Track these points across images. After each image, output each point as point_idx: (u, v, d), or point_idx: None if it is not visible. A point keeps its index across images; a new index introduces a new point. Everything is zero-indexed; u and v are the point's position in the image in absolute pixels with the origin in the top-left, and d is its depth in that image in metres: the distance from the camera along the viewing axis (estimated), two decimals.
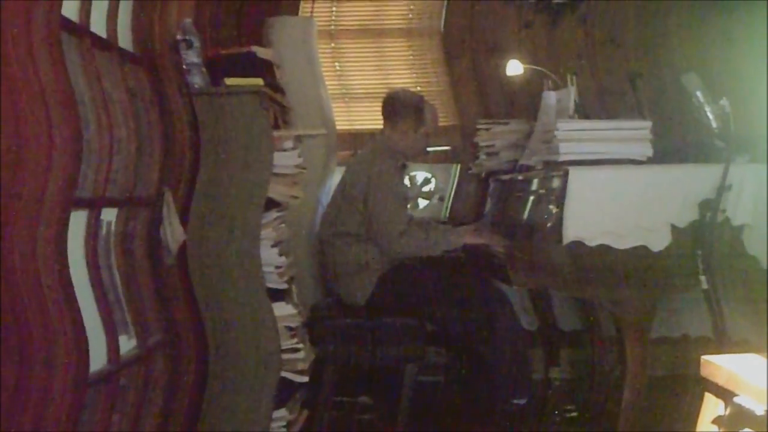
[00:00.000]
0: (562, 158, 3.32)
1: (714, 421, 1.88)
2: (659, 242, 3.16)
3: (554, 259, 3.21)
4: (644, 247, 3.16)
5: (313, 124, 3.91)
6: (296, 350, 3.20)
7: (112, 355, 2.44)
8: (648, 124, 3.42)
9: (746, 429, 1.75)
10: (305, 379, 3.25)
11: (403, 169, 3.91)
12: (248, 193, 3.06)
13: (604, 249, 3.16)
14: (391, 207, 3.65)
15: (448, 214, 4.60)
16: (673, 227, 3.17)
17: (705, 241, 3.12)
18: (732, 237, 3.19)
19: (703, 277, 3.13)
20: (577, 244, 3.16)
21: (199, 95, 3.06)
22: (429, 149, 4.12)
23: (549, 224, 3.26)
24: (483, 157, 4.43)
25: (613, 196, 3.19)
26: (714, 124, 3.26)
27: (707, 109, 3.24)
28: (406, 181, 4.48)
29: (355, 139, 4.55)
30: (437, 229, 3.82)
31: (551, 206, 3.28)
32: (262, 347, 3.08)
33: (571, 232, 3.15)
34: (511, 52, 4.53)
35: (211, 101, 3.07)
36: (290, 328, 3.21)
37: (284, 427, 3.18)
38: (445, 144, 4.63)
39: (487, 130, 4.44)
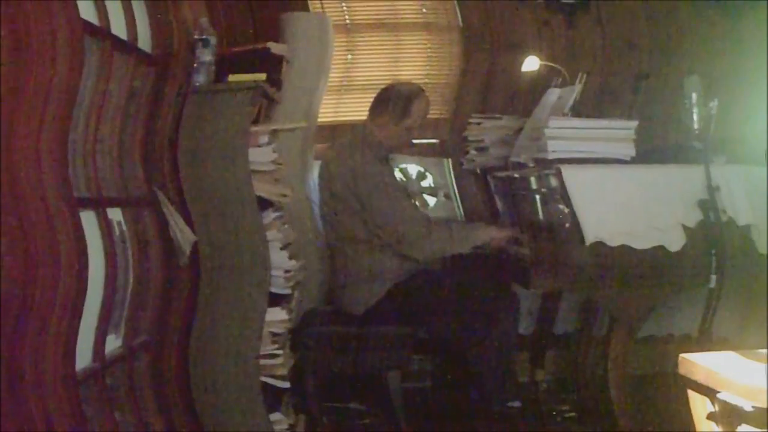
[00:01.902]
0: (550, 156, 3.33)
1: (709, 418, 1.89)
2: (675, 242, 3.20)
3: (577, 261, 3.20)
4: (662, 248, 3.19)
5: (298, 116, 3.78)
6: (274, 356, 3.14)
7: (98, 353, 2.40)
8: (634, 124, 3.44)
9: (743, 425, 1.76)
10: (287, 384, 3.19)
11: (384, 161, 3.75)
12: (238, 193, 3.00)
13: (625, 250, 3.18)
14: (400, 207, 3.53)
15: (463, 213, 4.49)
16: (685, 227, 3.20)
17: (717, 240, 3.16)
18: (742, 237, 3.23)
19: (713, 276, 3.16)
20: (599, 245, 3.18)
21: (194, 93, 3.03)
22: (414, 141, 3.99)
23: (567, 224, 3.26)
24: (473, 152, 4.36)
25: (622, 196, 3.23)
26: (696, 126, 3.30)
27: (695, 110, 3.29)
28: (400, 175, 4.34)
29: (336, 130, 4.46)
30: (460, 226, 3.71)
31: (561, 206, 3.28)
32: (241, 351, 3.03)
33: (592, 233, 3.17)
34: (530, 48, 4.49)
35: (203, 98, 3.03)
36: (275, 334, 3.15)
37: (287, 430, 3.16)
38: (433, 137, 4.53)
39: (478, 124, 4.38)
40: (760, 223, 3.20)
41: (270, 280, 3.04)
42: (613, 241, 3.17)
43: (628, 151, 3.38)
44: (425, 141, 4.44)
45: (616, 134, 3.41)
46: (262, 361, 3.08)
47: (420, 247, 3.49)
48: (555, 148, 3.33)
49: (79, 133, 2.35)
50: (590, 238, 3.16)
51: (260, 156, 3.12)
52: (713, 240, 3.16)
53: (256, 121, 3.25)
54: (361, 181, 3.52)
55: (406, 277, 3.55)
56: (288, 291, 3.17)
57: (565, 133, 3.37)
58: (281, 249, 3.11)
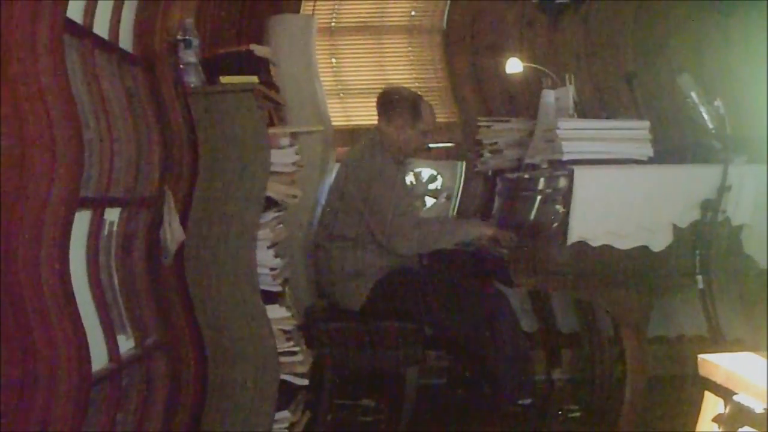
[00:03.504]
0: (565, 157, 3.33)
1: (714, 419, 1.88)
2: (660, 242, 3.19)
3: (557, 260, 3.22)
4: (644, 248, 3.18)
5: (308, 121, 3.88)
6: (293, 353, 3.18)
7: (113, 354, 2.45)
8: (646, 123, 3.44)
9: (746, 427, 1.76)
10: (305, 382, 3.23)
11: (401, 165, 3.83)
12: (247, 193, 3.03)
13: (606, 249, 3.18)
14: (398, 204, 3.57)
15: (456, 213, 4.56)
16: (675, 227, 3.19)
17: (704, 240, 3.15)
18: (730, 237, 3.22)
19: (699, 277, 3.15)
20: (581, 245, 3.18)
21: (194, 94, 3.04)
22: (431, 146, 4.04)
23: (555, 224, 3.26)
24: (487, 155, 4.40)
25: (618, 196, 3.22)
26: (710, 125, 3.30)
27: (702, 110, 3.29)
28: (411, 178, 4.43)
29: (352, 134, 4.50)
30: (451, 221, 3.76)
31: (558, 206, 3.28)
32: (259, 349, 3.06)
33: (575, 233, 3.17)
34: (510, 50, 4.53)
35: (206, 99, 3.05)
36: (285, 331, 3.18)
37: (286, 428, 3.16)
38: (447, 140, 4.59)
39: (488, 127, 4.42)
40: (757, 224, 3.19)
41: (257, 278, 3.08)
42: (596, 241, 3.18)
43: (645, 151, 3.38)
44: (441, 145, 4.51)
45: (628, 134, 3.41)
46: (282, 359, 3.10)
47: (406, 240, 3.56)
48: (570, 149, 3.34)
49: (93, 133, 2.38)
50: (573, 237, 3.17)
51: (282, 158, 3.17)
52: (699, 240, 3.16)
53: (270, 124, 3.28)
54: (375, 182, 3.58)
55: (385, 273, 3.62)
56: (278, 288, 3.20)
57: (577, 134, 3.38)
58: (268, 248, 3.14)
